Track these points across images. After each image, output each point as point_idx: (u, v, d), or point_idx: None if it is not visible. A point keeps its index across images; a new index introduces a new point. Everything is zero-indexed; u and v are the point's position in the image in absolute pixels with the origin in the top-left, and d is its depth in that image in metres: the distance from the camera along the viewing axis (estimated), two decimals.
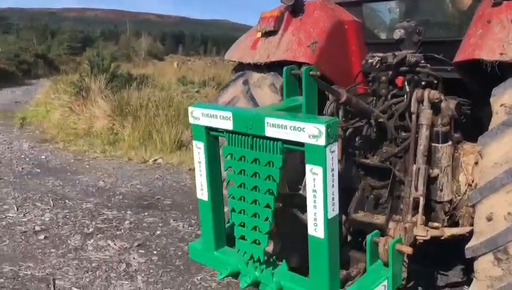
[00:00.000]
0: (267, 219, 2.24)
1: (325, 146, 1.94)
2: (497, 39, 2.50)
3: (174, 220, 4.97)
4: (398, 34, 3.40)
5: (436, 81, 3.28)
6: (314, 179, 2.02)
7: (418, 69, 3.21)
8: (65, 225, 4.77)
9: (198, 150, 2.47)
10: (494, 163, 2.36)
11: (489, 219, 2.35)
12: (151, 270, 3.86)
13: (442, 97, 2.95)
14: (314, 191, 2.03)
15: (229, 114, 2.25)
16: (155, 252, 4.23)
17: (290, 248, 2.59)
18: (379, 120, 3.08)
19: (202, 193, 2.55)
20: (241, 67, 3.73)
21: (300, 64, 3.37)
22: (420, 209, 2.76)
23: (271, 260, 2.38)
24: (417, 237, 2.70)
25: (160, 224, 4.91)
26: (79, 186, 6.18)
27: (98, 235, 4.53)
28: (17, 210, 5.10)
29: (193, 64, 30.35)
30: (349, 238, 3.44)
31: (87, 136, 9.27)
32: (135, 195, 5.90)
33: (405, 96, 3.18)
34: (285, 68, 2.59)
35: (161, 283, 3.66)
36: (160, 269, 3.90)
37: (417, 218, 2.78)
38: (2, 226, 4.66)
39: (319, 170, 1.99)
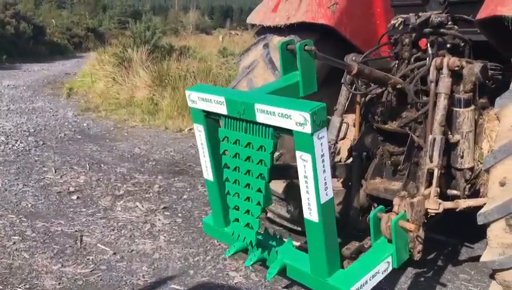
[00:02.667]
0: (258, 203, 2.22)
1: (312, 134, 1.89)
2: None
3: (202, 186, 5.06)
4: None
5: (463, 44, 3.13)
6: (304, 166, 1.98)
7: (443, 30, 3.07)
8: (98, 187, 4.97)
9: (199, 132, 2.47)
10: (510, 126, 2.24)
11: (502, 184, 2.25)
12: (174, 231, 3.98)
13: (464, 63, 2.80)
14: (306, 177, 2.00)
15: (222, 99, 2.22)
16: (180, 214, 4.34)
17: None
18: (397, 86, 2.98)
19: (207, 173, 2.55)
20: (264, 31, 3.69)
21: (319, 27, 3.30)
22: (434, 182, 2.67)
23: (277, 237, 2.40)
24: (428, 211, 2.62)
25: (188, 189, 5.02)
26: (115, 152, 6.40)
27: (128, 197, 4.70)
28: (55, 172, 5.36)
29: (240, 37, 30.27)
30: (366, 204, 3.40)
31: (129, 105, 9.51)
32: (168, 161, 6.05)
33: (427, 59, 3.05)
34: (280, 43, 2.44)
35: (182, 243, 3.76)
36: (183, 230, 4.01)
37: (430, 190, 2.69)
38: (40, 186, 4.91)
39: (308, 157, 1.95)
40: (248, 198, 2.26)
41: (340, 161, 3.41)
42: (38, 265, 3.34)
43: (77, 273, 3.27)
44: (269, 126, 2.07)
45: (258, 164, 2.16)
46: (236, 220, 2.36)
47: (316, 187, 1.97)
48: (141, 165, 5.85)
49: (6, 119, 8.15)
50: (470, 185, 2.97)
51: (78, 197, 4.64)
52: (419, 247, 2.66)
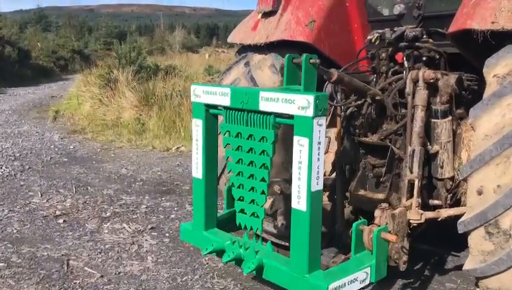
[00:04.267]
0: (263, 192, 2.34)
1: (313, 117, 2.00)
2: (489, 8, 2.41)
3: (189, 205, 5.05)
4: (397, 9, 3.34)
5: (438, 57, 3.20)
6: (300, 151, 2.07)
7: (418, 44, 3.14)
8: (84, 209, 4.94)
9: (197, 127, 2.58)
10: (484, 135, 2.30)
11: (479, 193, 2.29)
12: (161, 251, 3.96)
13: (439, 75, 2.87)
14: (300, 162, 2.08)
15: (227, 90, 2.38)
16: (167, 234, 4.33)
17: None
18: (376, 98, 3.03)
19: (197, 171, 2.63)
20: (244, 50, 3.75)
21: (298, 44, 3.36)
22: (415, 192, 2.71)
23: (257, 242, 2.42)
24: (411, 221, 2.66)
25: (175, 208, 5.02)
26: (102, 173, 6.37)
27: (115, 219, 4.67)
28: (41, 196, 5.32)
29: (226, 55, 30.50)
30: (352, 217, 3.43)
31: (116, 126, 9.50)
32: (155, 181, 6.04)
33: (404, 72, 3.12)
34: (286, 56, 2.61)
35: (170, 263, 3.75)
36: (171, 250, 3.99)
37: (412, 201, 2.73)
38: (25, 211, 4.87)
39: (305, 141, 2.04)
40: (252, 188, 2.36)
41: (324, 175, 3.45)
42: None
43: None
44: (271, 114, 2.18)
45: (260, 154, 2.28)
46: (242, 211, 2.46)
47: (309, 174, 2.04)
48: (128, 185, 5.83)
49: None
50: (451, 194, 3.02)
51: (64, 221, 4.61)
52: (405, 257, 2.69)
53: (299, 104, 2.02)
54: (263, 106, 2.19)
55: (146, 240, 4.20)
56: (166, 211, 4.91)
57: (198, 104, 2.54)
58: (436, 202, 3.01)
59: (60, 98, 14.04)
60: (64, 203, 5.13)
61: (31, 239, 4.19)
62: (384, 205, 2.63)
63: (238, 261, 2.36)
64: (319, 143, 2.05)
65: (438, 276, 3.49)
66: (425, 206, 2.90)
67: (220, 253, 2.44)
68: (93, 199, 5.26)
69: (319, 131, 2.04)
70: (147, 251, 3.98)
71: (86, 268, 3.66)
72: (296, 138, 2.08)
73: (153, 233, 4.35)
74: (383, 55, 3.21)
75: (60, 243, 4.12)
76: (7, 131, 9.34)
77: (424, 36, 3.18)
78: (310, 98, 1.99)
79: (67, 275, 3.55)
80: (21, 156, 7.24)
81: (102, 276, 3.53)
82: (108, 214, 4.82)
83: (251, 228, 2.46)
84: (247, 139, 2.33)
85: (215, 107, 2.52)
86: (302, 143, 2.04)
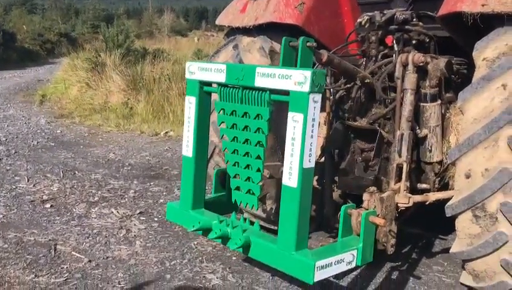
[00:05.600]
0: (258, 169, 2.35)
1: (309, 93, 1.99)
2: None
3: (178, 189, 5.02)
4: None
5: (428, 40, 3.19)
6: (294, 127, 2.07)
7: (408, 27, 3.12)
8: (72, 194, 4.89)
9: (190, 104, 2.58)
10: (473, 119, 2.30)
11: (467, 176, 2.30)
12: (150, 236, 3.94)
13: (429, 59, 2.86)
14: (293, 139, 2.08)
15: (223, 67, 2.36)
16: (156, 219, 4.31)
17: None
18: (366, 81, 3.01)
19: (187, 149, 2.61)
20: (233, 32, 3.69)
21: (287, 27, 3.32)
22: (403, 176, 2.71)
23: (245, 222, 2.41)
24: (399, 205, 2.66)
25: (164, 193, 4.99)
26: (90, 158, 6.31)
27: (103, 204, 4.64)
28: (28, 181, 5.25)
29: (215, 38, 30.21)
30: (340, 202, 3.43)
31: (103, 110, 9.40)
32: (143, 166, 6.00)
33: (394, 56, 3.10)
34: (283, 38, 2.59)
35: (158, 247, 3.74)
36: (159, 234, 3.98)
37: (400, 185, 2.73)
38: (12, 196, 4.81)
39: (300, 117, 2.03)
40: (248, 166, 2.37)
41: None
42: (10, 277, 3.27)
43: (51, 283, 3.22)
44: (266, 90, 2.17)
45: (255, 132, 2.28)
46: (238, 188, 2.47)
47: (302, 150, 2.03)
48: (116, 170, 5.78)
49: None
50: (439, 178, 3.03)
51: (51, 206, 4.56)
52: (393, 241, 2.70)
53: (296, 79, 2.01)
54: (259, 82, 2.18)
55: (134, 224, 4.18)
56: (154, 196, 4.89)
57: (193, 81, 2.53)
58: (424, 185, 3.02)
59: (47, 81, 13.83)
60: (52, 187, 5.08)
61: (17, 224, 4.14)
62: (372, 188, 2.63)
63: (225, 239, 2.36)
64: (314, 120, 2.05)
65: (425, 259, 3.52)
66: (413, 190, 2.90)
67: (206, 231, 2.43)
68: (80, 184, 5.21)
69: (314, 108, 2.04)
70: (135, 235, 3.96)
71: (73, 253, 3.64)
72: (290, 114, 2.07)
73: (141, 218, 4.33)
74: (373, 38, 3.18)
75: (47, 227, 4.08)
76: None
77: (414, 19, 3.16)
78: (307, 73, 1.99)
79: (54, 260, 3.52)
80: (7, 141, 7.14)
81: (90, 261, 3.51)
82: (96, 198, 4.79)
83: (246, 205, 2.48)
84: (242, 116, 2.33)
85: (209, 84, 2.52)
86: (297, 119, 2.03)
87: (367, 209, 2.45)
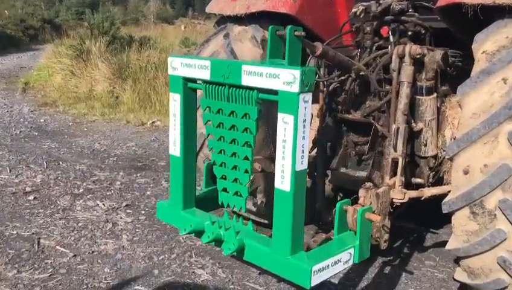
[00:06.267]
0: (246, 171, 2.23)
1: (299, 93, 1.88)
2: None
3: (165, 181, 4.94)
4: None
5: (424, 31, 3.12)
6: (285, 129, 1.97)
7: (403, 18, 3.05)
8: (56, 186, 4.77)
9: (174, 102, 2.44)
10: (472, 113, 2.24)
11: (465, 172, 2.24)
12: (137, 230, 3.85)
13: (425, 51, 2.79)
14: (284, 141, 1.98)
15: (207, 63, 2.22)
16: (143, 212, 4.21)
17: None
18: (360, 73, 2.93)
19: (175, 148, 2.50)
20: (224, 20, 3.59)
21: (280, 16, 3.22)
22: (399, 171, 2.65)
23: (238, 222, 2.33)
24: (394, 201, 2.61)
25: (151, 185, 4.89)
26: (74, 148, 6.17)
27: (88, 196, 4.52)
28: (10, 172, 5.10)
29: (202, 26, 29.87)
30: (332, 196, 3.37)
31: (88, 99, 9.21)
32: (129, 157, 5.88)
33: (389, 47, 3.03)
34: (270, 27, 2.43)
35: (146, 242, 3.65)
36: (146, 228, 3.88)
37: (395, 180, 2.67)
38: None
39: (290, 118, 1.93)
40: (235, 167, 2.26)
41: None
42: None
43: (34, 278, 3.11)
44: (254, 89, 2.06)
45: (243, 132, 2.17)
46: (225, 189, 2.36)
47: (294, 152, 1.94)
48: (102, 161, 5.66)
49: None
50: (433, 172, 2.99)
51: (35, 198, 4.43)
52: (386, 236, 2.65)
53: (284, 79, 1.90)
54: (246, 81, 2.06)
55: (121, 217, 4.07)
56: (141, 188, 4.78)
57: (176, 78, 2.39)
58: (418, 180, 2.97)
59: (30, 69, 13.50)
60: (35, 179, 4.94)
61: None
62: (368, 184, 2.56)
63: (218, 242, 2.26)
64: (305, 121, 1.95)
65: (417, 254, 3.50)
66: (407, 185, 2.85)
67: (199, 233, 2.34)
68: (65, 175, 5.08)
69: (305, 108, 1.93)
70: (121, 229, 3.87)
71: (57, 247, 3.53)
72: (280, 115, 1.96)
73: (128, 210, 4.23)
74: (368, 29, 3.10)
75: (30, 221, 3.96)
76: None
77: (410, 10, 3.08)
78: (296, 72, 1.87)
79: (38, 254, 3.41)
80: None
81: (75, 255, 3.40)
82: (81, 190, 4.66)
83: (234, 207, 2.37)
84: (229, 115, 2.20)
85: (194, 81, 2.38)
86: (287, 121, 1.93)
87: (363, 206, 2.38)
